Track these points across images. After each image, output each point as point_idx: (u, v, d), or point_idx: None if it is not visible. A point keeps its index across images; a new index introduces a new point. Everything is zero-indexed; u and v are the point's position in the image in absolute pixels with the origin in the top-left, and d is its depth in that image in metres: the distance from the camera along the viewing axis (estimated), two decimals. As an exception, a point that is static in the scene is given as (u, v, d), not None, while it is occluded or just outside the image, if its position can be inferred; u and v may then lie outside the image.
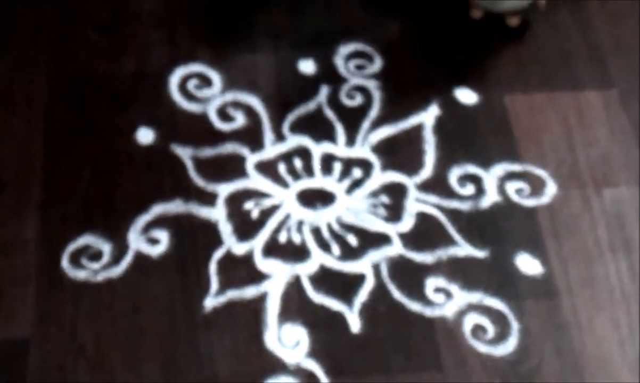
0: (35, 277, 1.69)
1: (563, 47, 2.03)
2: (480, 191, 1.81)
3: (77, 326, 1.63)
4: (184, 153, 1.84)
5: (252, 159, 1.82)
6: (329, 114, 1.89)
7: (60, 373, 1.59)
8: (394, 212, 1.77)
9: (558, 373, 1.60)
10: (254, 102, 1.89)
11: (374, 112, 1.90)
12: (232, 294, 1.68)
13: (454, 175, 1.83)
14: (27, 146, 1.85)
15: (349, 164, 1.83)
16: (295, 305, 1.66)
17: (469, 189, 1.81)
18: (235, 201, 1.78)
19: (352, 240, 1.73)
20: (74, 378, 1.58)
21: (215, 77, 1.92)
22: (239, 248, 1.73)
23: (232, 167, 1.81)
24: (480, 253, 1.73)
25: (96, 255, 1.71)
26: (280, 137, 1.86)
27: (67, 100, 1.92)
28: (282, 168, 1.82)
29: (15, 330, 1.63)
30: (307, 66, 1.97)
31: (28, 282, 1.68)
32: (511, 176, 1.83)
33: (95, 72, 1.95)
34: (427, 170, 1.83)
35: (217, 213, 1.77)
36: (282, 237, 1.73)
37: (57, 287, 1.68)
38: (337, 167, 1.83)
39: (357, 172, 1.82)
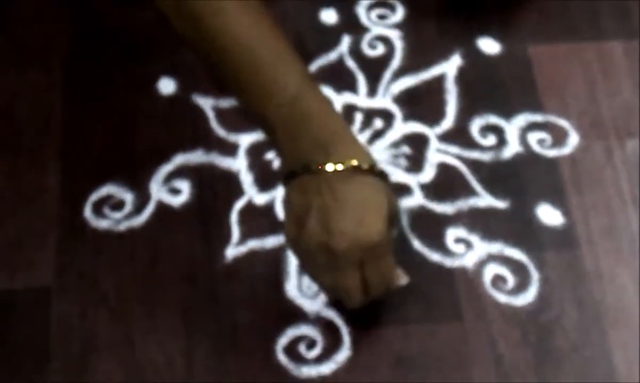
0: (56, 226, 1.71)
1: (586, -2, 2.02)
2: (501, 142, 1.80)
3: (99, 275, 1.65)
4: (206, 103, 1.84)
5: (273, 110, 1.83)
6: (351, 64, 1.88)
7: (82, 321, 1.60)
8: (415, 163, 1.77)
9: (578, 323, 1.59)
10: (276, 52, 1.90)
11: (396, 62, 1.89)
12: (253, 244, 1.68)
13: (475, 125, 1.82)
14: (46, 97, 1.85)
15: (370, 115, 1.82)
16: (316, 254, 1.66)
17: (491, 140, 1.80)
18: (256, 151, 1.78)
19: (373, 190, 1.73)
20: (95, 326, 1.60)
21: (236, 26, 1.93)
22: (260, 199, 1.73)
23: (253, 117, 1.81)
24: (501, 204, 1.72)
25: (118, 205, 1.72)
26: (301, 87, 1.86)
27: (86, 51, 1.92)
28: (304, 118, 1.82)
29: (37, 278, 1.65)
30: (328, 16, 1.96)
31: (49, 231, 1.70)
32: (533, 127, 1.82)
33: (114, 22, 1.95)
34: (448, 121, 1.82)
35: (238, 164, 1.77)
36: (303, 187, 1.73)
37: (79, 237, 1.69)
38: (358, 117, 1.82)
39: (378, 123, 1.81)
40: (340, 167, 1.45)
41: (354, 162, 1.47)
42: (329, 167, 1.45)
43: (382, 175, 1.51)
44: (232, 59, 1.51)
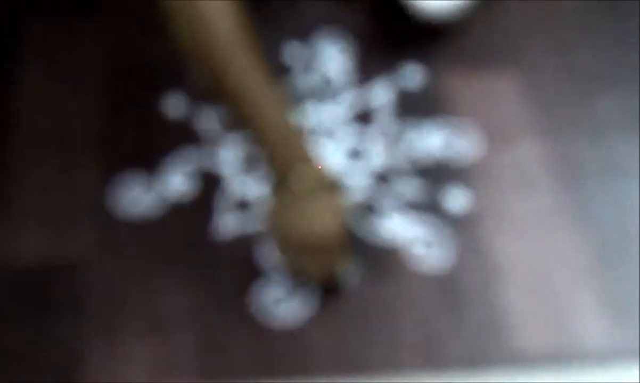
0: (91, 210, 1.84)
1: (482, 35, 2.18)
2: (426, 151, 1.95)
3: (129, 253, 1.79)
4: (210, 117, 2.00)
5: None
6: None
7: (112, 290, 1.75)
8: None
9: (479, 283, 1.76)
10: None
11: None
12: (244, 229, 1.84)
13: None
14: (86, 109, 1.99)
15: None
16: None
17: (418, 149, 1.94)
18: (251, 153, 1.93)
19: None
20: (125, 291, 1.75)
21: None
22: (252, 193, 1.88)
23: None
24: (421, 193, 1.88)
25: (143, 195, 1.88)
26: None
27: (119, 73, 2.07)
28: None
29: (76, 255, 1.78)
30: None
31: (86, 214, 1.84)
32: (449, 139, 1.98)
33: (143, 51, 2.11)
34: None
35: (235, 163, 1.92)
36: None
37: (112, 215, 1.84)
38: None
39: None
40: (307, 184, 1.57)
41: (319, 179, 1.58)
42: (298, 184, 1.57)
43: (339, 189, 1.61)
44: (236, 95, 1.57)
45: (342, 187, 1.63)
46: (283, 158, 1.57)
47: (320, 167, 1.58)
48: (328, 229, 1.58)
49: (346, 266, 1.69)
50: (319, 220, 1.57)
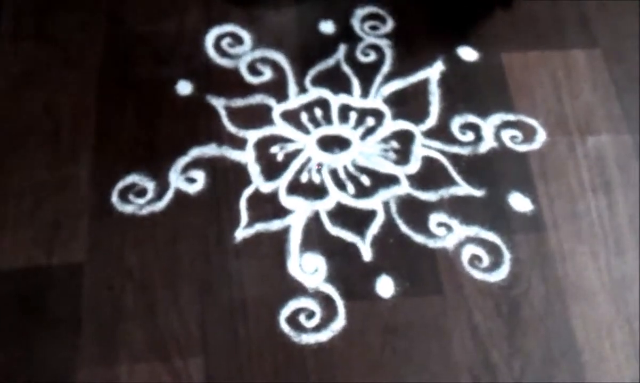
0: (88, 210, 1.71)
1: (552, 11, 2.02)
2: (478, 138, 1.82)
3: (124, 253, 1.66)
4: (218, 103, 1.85)
5: (278, 109, 1.84)
6: (346, 69, 1.90)
7: (110, 292, 1.62)
8: (403, 156, 1.79)
9: (543, 297, 1.63)
10: (280, 58, 1.91)
11: (386, 67, 1.91)
12: (260, 227, 1.70)
13: (455, 123, 1.84)
14: (82, 97, 1.85)
15: (363, 114, 1.84)
16: (315, 236, 1.68)
17: (469, 136, 1.82)
18: (263, 145, 1.79)
19: (365, 180, 1.75)
20: (121, 297, 1.61)
21: (245, 36, 1.94)
22: (266, 187, 1.74)
23: (260, 116, 1.83)
24: (477, 193, 1.75)
25: (141, 192, 1.73)
26: (303, 89, 1.87)
27: (117, 58, 1.92)
28: (304, 116, 1.83)
29: (71, 255, 1.65)
30: (327, 26, 1.97)
31: (82, 214, 1.70)
32: (506, 125, 1.84)
33: (142, 32, 1.95)
34: (432, 119, 1.84)
35: (247, 156, 1.78)
36: (304, 177, 1.75)
37: (107, 219, 1.70)
38: (353, 116, 1.84)
39: (370, 121, 1.83)
40: None
41: None
42: None
43: None
44: None
45: None
46: None
47: None
48: None
49: None
50: None
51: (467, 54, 1.94)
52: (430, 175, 1.77)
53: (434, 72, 1.91)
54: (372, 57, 1.93)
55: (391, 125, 1.83)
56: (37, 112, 1.83)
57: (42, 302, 1.61)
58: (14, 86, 1.86)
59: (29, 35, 1.94)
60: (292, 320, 1.60)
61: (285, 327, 1.59)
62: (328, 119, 1.82)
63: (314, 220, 1.70)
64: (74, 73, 1.89)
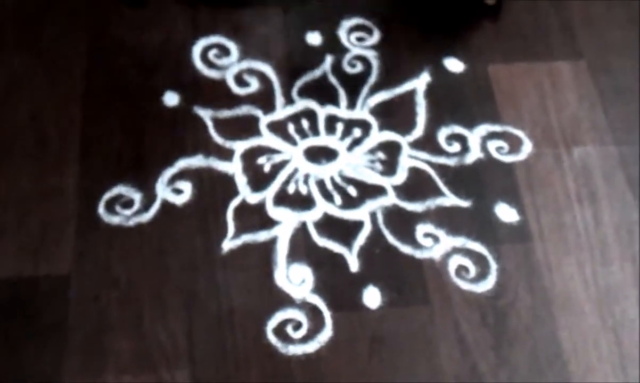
0: (74, 221, 1.69)
1: (538, 23, 2.02)
2: (465, 149, 1.81)
3: (111, 264, 1.64)
4: (205, 114, 1.84)
5: (264, 120, 1.83)
6: (333, 80, 1.89)
7: (96, 303, 1.60)
8: (389, 167, 1.78)
9: (529, 307, 1.62)
10: (267, 69, 1.90)
11: (373, 78, 1.90)
12: (247, 238, 1.68)
13: (442, 134, 1.83)
14: (68, 108, 1.84)
15: (350, 125, 1.83)
16: (302, 247, 1.67)
17: (455, 147, 1.81)
18: (250, 156, 1.78)
19: (352, 191, 1.74)
20: (108, 307, 1.60)
21: (232, 47, 1.93)
22: (253, 198, 1.73)
23: (247, 127, 1.82)
24: (464, 203, 1.74)
25: (128, 203, 1.71)
26: (289, 100, 1.86)
27: (103, 68, 1.91)
28: (291, 128, 1.82)
29: (57, 266, 1.64)
30: (314, 38, 1.96)
31: (68, 225, 1.69)
32: (492, 136, 1.83)
33: (128, 43, 1.94)
34: (418, 130, 1.83)
35: (234, 167, 1.77)
36: (291, 188, 1.74)
37: (94, 230, 1.68)
38: (340, 127, 1.83)
39: (357, 132, 1.82)
40: None
41: None
42: None
43: None
44: None
45: None
46: None
47: None
48: None
49: None
50: None
51: (454, 65, 1.93)
52: (417, 186, 1.76)
53: (420, 83, 1.90)
54: (359, 68, 1.92)
55: (378, 136, 1.82)
56: (23, 123, 1.81)
57: (29, 313, 1.59)
58: (-1, 97, 1.85)
59: (14, 46, 1.93)
60: (279, 331, 1.58)
61: (272, 338, 1.58)
62: (315, 130, 1.82)
63: (301, 231, 1.69)
64: (60, 84, 1.88)
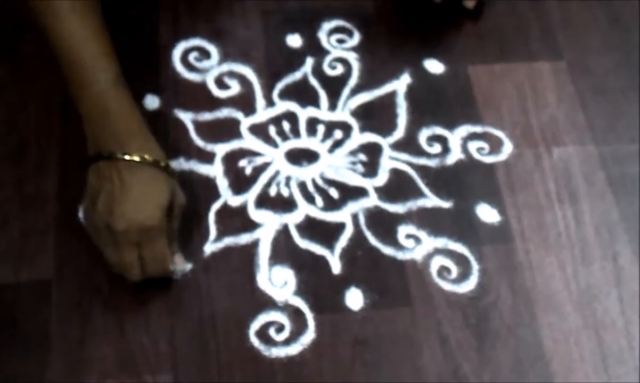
0: (55, 227, 1.67)
1: (518, 24, 2.00)
2: (446, 150, 1.79)
3: (93, 270, 1.62)
4: (186, 117, 1.82)
5: (245, 122, 1.81)
6: (314, 82, 1.87)
7: (78, 309, 1.58)
8: (371, 169, 1.76)
9: (511, 307, 1.60)
10: (248, 72, 1.88)
11: (353, 80, 1.88)
12: (229, 241, 1.66)
13: (423, 135, 1.81)
14: (46, 114, 1.81)
15: (331, 127, 1.81)
16: (284, 250, 1.65)
17: (436, 148, 1.79)
18: (231, 159, 1.76)
19: (334, 193, 1.72)
20: (90, 313, 1.58)
21: (213, 50, 1.91)
22: (235, 201, 1.71)
23: (228, 129, 1.80)
24: (445, 204, 1.72)
25: None
26: (270, 102, 1.84)
27: None
28: (272, 130, 1.80)
29: (39, 272, 1.62)
30: (294, 40, 1.94)
31: (49, 231, 1.67)
32: (473, 136, 1.82)
33: None
34: (399, 132, 1.81)
35: (215, 170, 1.75)
36: (272, 191, 1.72)
37: (75, 236, 1.65)
38: (321, 129, 1.81)
39: (338, 134, 1.80)
40: (127, 157, 1.49)
41: (140, 156, 1.50)
42: (120, 156, 1.49)
43: (169, 171, 1.54)
44: (58, 53, 1.53)
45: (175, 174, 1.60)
46: (108, 127, 1.55)
47: (153, 145, 1.56)
48: (149, 216, 1.50)
49: (175, 268, 1.60)
50: (139, 203, 1.49)
51: (434, 66, 1.92)
52: (398, 187, 1.74)
53: (400, 84, 1.88)
54: (340, 70, 1.90)
55: (359, 137, 1.80)
56: (0, 129, 1.79)
57: (11, 320, 1.57)
58: (-24, 104, 1.82)
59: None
60: (262, 334, 1.56)
61: (255, 341, 1.56)
62: (296, 132, 1.80)
63: (283, 234, 1.67)
64: (38, 89, 1.85)
